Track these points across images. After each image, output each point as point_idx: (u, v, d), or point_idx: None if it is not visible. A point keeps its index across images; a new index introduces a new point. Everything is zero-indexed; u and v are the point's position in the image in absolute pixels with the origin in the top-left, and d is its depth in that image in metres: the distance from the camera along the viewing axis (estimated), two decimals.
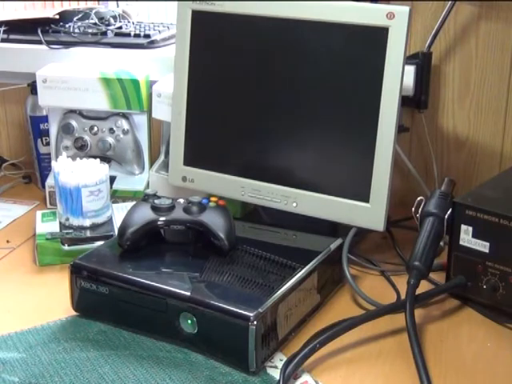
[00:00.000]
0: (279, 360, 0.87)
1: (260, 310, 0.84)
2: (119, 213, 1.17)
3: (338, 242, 1.04)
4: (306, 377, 0.84)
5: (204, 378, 0.84)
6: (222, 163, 1.16)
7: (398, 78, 1.00)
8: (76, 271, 0.95)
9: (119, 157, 1.33)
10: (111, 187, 1.26)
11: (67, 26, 1.45)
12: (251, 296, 0.88)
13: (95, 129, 1.31)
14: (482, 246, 0.96)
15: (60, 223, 1.16)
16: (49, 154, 1.39)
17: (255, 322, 0.82)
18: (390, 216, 1.05)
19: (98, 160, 1.20)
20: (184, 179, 1.19)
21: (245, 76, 1.12)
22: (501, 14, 1.21)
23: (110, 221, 1.17)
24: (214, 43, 1.14)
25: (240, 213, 1.23)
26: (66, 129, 1.31)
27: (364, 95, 1.03)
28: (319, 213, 1.08)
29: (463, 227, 0.98)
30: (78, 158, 1.19)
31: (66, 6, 1.58)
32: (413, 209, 1.04)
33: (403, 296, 0.95)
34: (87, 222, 1.15)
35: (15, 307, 0.82)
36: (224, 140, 1.16)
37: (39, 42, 1.39)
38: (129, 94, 1.28)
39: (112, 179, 1.29)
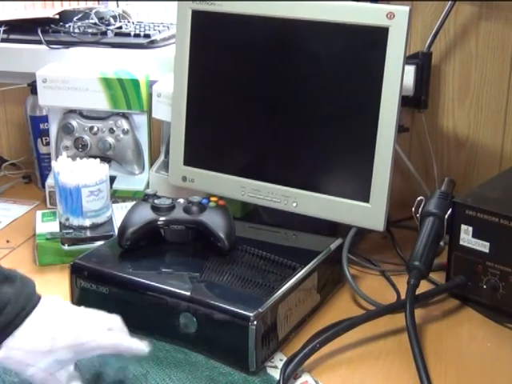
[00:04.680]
0: (279, 360, 0.87)
1: (260, 309, 0.84)
2: (119, 213, 1.17)
3: (338, 242, 1.04)
4: (306, 377, 0.84)
5: (204, 378, 0.84)
6: (222, 163, 1.16)
7: (397, 78, 1.00)
8: (76, 271, 0.95)
9: (119, 157, 1.33)
10: (111, 187, 1.26)
11: (67, 25, 1.45)
12: (251, 296, 0.88)
13: (95, 129, 1.31)
14: (482, 246, 0.96)
15: (60, 223, 1.16)
16: (49, 154, 1.39)
17: (255, 322, 0.82)
18: (390, 216, 1.05)
19: (98, 160, 1.20)
20: (184, 179, 1.19)
21: (244, 76, 1.12)
22: (501, 14, 1.21)
23: (110, 221, 1.17)
24: (213, 43, 1.14)
25: (240, 213, 1.23)
26: (65, 129, 1.31)
27: (364, 95, 1.03)
28: (319, 213, 1.08)
29: (463, 227, 0.98)
30: (78, 158, 1.19)
31: (66, 6, 1.58)
32: (413, 209, 1.04)
33: (403, 296, 0.95)
34: (87, 222, 1.15)
35: None
36: (224, 140, 1.16)
37: (39, 42, 1.39)
38: (129, 94, 1.28)
39: (112, 179, 1.29)
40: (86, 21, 1.48)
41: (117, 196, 1.30)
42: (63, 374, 0.76)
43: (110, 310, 0.93)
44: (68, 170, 1.15)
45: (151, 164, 1.33)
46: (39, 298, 0.77)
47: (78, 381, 0.78)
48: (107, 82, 1.27)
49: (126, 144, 1.32)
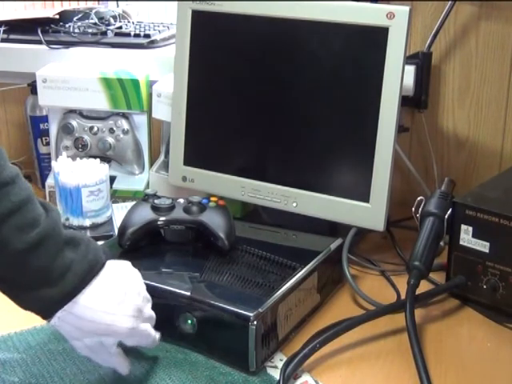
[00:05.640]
0: (279, 360, 0.87)
1: (260, 309, 0.84)
2: (119, 213, 1.17)
3: (338, 242, 1.04)
4: (306, 377, 0.84)
5: (204, 378, 0.84)
6: (222, 163, 1.16)
7: (398, 77, 1.00)
8: None
9: (119, 157, 1.33)
10: (111, 187, 1.26)
11: (67, 25, 1.45)
12: (251, 296, 0.88)
13: (95, 129, 1.31)
14: (482, 246, 0.96)
15: None
16: (49, 154, 1.39)
17: (255, 322, 0.82)
18: (389, 216, 1.05)
19: (98, 160, 1.20)
20: (184, 179, 1.19)
21: (244, 76, 1.12)
22: (501, 14, 1.21)
23: (110, 221, 1.17)
24: (213, 43, 1.14)
25: (240, 213, 1.23)
26: (65, 129, 1.31)
27: (364, 95, 1.03)
28: (319, 213, 1.08)
29: (463, 227, 0.98)
30: (78, 158, 1.19)
31: (66, 6, 1.58)
32: (413, 209, 1.04)
33: (403, 296, 0.95)
34: (87, 222, 1.15)
35: (15, 307, 0.82)
36: (224, 140, 1.16)
37: (39, 42, 1.39)
38: (129, 94, 1.28)
39: (112, 179, 1.29)
40: (86, 21, 1.48)
41: (117, 196, 1.30)
42: (104, 353, 0.79)
43: None
44: (68, 170, 1.15)
45: (151, 164, 1.33)
46: (102, 265, 0.77)
47: (120, 357, 0.81)
48: (107, 82, 1.27)
49: (125, 144, 1.32)
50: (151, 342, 0.82)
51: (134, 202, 1.07)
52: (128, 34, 1.41)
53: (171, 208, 1.01)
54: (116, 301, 0.77)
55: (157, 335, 0.83)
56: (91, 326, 0.76)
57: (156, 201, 1.01)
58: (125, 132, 1.31)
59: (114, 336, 0.78)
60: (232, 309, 0.84)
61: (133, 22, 1.49)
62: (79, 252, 0.75)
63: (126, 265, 0.82)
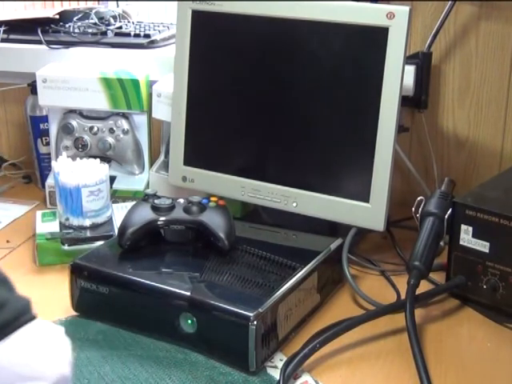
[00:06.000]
0: (279, 360, 0.87)
1: (260, 309, 0.84)
2: (119, 213, 1.17)
3: (338, 242, 1.04)
4: (306, 377, 0.84)
5: (204, 378, 0.84)
6: (222, 163, 1.16)
7: (398, 77, 1.00)
8: (76, 271, 0.95)
9: (119, 157, 1.33)
10: (111, 187, 1.26)
11: (67, 25, 1.45)
12: (251, 296, 0.88)
13: (95, 129, 1.31)
14: (482, 246, 0.96)
15: (60, 223, 1.16)
16: (49, 154, 1.39)
17: (255, 322, 0.82)
18: (389, 216, 1.05)
19: (98, 160, 1.20)
20: (184, 179, 1.19)
21: (245, 76, 1.12)
22: (501, 14, 1.21)
23: (110, 221, 1.17)
24: (213, 43, 1.14)
25: (240, 213, 1.23)
26: (65, 129, 1.31)
27: (364, 95, 1.03)
28: (319, 213, 1.08)
29: (463, 227, 0.98)
30: (77, 158, 1.19)
31: (66, 6, 1.58)
32: (413, 209, 1.04)
33: (403, 296, 0.95)
34: (87, 222, 1.15)
35: None
36: (224, 140, 1.16)
37: (39, 42, 1.39)
38: (129, 94, 1.28)
39: (112, 179, 1.29)
40: (86, 21, 1.48)
41: (117, 196, 1.29)
42: None
43: (110, 310, 0.94)
44: (68, 170, 1.15)
45: (151, 164, 1.33)
46: (34, 316, 0.72)
47: None
48: (107, 82, 1.27)
49: (125, 144, 1.32)
50: None
51: (133, 202, 1.07)
52: (128, 34, 1.41)
53: (171, 208, 1.01)
54: (50, 346, 0.72)
55: None
56: (22, 368, 0.70)
57: (156, 201, 1.01)
58: (125, 132, 1.31)
59: (45, 380, 0.70)
60: (232, 309, 0.84)
61: (133, 22, 1.49)
62: (13, 294, 0.72)
63: (59, 328, 0.75)
